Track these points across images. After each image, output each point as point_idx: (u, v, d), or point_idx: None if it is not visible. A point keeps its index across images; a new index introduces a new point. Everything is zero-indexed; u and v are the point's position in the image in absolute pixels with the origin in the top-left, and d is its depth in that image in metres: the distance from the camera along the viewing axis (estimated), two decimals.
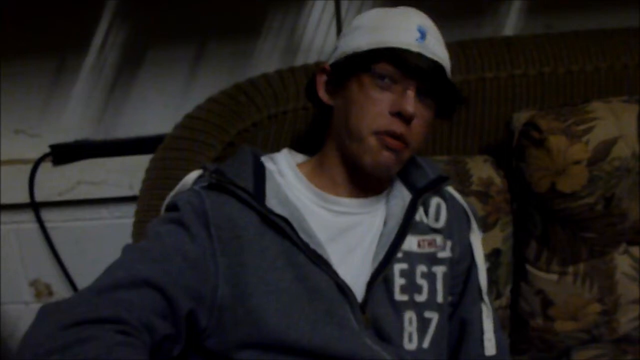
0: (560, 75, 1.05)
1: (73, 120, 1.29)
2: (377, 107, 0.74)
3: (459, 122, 1.05)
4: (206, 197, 0.73)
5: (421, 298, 0.78)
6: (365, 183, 0.81)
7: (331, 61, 0.81)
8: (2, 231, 1.34)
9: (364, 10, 0.83)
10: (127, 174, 1.26)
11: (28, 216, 1.32)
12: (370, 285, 0.75)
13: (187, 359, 0.74)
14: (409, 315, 0.77)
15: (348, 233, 0.79)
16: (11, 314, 1.41)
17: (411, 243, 0.79)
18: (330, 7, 1.21)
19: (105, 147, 1.28)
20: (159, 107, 1.28)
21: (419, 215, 0.82)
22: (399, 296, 0.77)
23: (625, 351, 1.03)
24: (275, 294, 0.71)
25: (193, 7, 1.21)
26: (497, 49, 1.06)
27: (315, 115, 0.97)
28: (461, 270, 0.84)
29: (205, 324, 0.71)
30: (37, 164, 1.27)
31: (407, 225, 0.79)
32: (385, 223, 0.80)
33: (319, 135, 0.86)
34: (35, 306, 1.39)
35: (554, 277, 1.00)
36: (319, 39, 1.23)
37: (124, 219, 1.31)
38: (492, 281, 0.97)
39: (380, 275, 0.76)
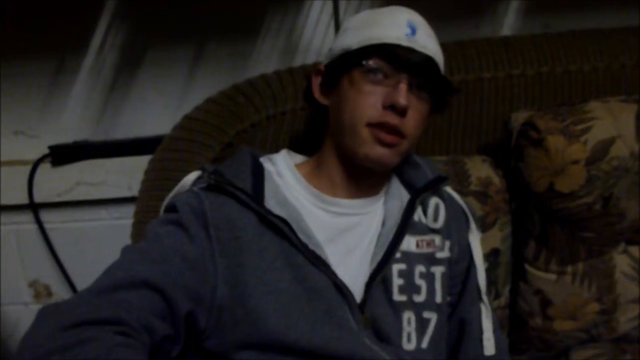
0: (558, 75, 1.05)
1: (72, 121, 1.30)
2: (370, 100, 0.75)
3: (457, 122, 1.06)
4: (205, 198, 0.73)
5: (420, 298, 0.78)
6: (363, 183, 0.81)
7: (325, 62, 0.83)
8: (1, 232, 1.34)
9: (362, 10, 0.84)
10: (126, 175, 1.26)
11: (27, 217, 1.32)
12: (368, 285, 0.75)
13: None
14: (408, 316, 0.77)
15: (346, 234, 0.79)
16: (10, 314, 1.41)
17: (410, 243, 0.79)
18: (329, 7, 1.22)
19: (104, 148, 1.28)
20: (158, 108, 1.28)
21: (418, 215, 0.82)
22: (398, 296, 0.77)
23: (624, 350, 1.03)
24: (274, 295, 0.71)
25: (192, 7, 1.21)
26: (495, 49, 1.06)
27: (312, 115, 0.97)
28: (460, 271, 0.84)
29: (205, 324, 0.71)
30: (36, 164, 1.27)
31: (405, 225, 0.79)
32: (383, 223, 0.80)
33: (318, 136, 0.86)
34: (35, 307, 1.40)
35: (553, 276, 1.01)
36: (318, 40, 1.24)
37: (123, 220, 1.31)
38: (490, 281, 0.97)
39: (379, 276, 0.76)
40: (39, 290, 1.38)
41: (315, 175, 0.82)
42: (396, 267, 0.77)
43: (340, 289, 0.73)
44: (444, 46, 0.81)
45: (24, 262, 1.36)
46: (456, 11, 1.20)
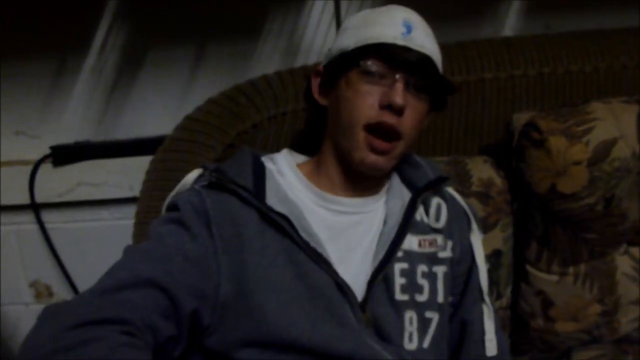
0: (559, 75, 1.05)
1: (73, 122, 1.29)
2: (367, 100, 0.75)
3: (459, 122, 1.06)
4: (206, 196, 0.73)
5: (422, 298, 0.78)
6: (362, 183, 0.81)
7: (324, 63, 0.84)
8: (2, 232, 1.34)
9: (363, 10, 0.84)
10: (127, 175, 1.26)
11: (28, 217, 1.32)
12: (370, 284, 0.75)
13: (188, 359, 0.74)
14: (410, 315, 0.77)
15: (348, 232, 0.79)
16: (11, 315, 1.40)
17: (412, 242, 0.79)
18: (330, 7, 1.22)
19: (105, 149, 1.28)
20: (159, 108, 1.28)
21: (420, 214, 0.82)
22: (400, 296, 0.77)
23: (625, 352, 1.03)
24: (275, 292, 0.71)
25: (193, 8, 1.21)
26: (496, 50, 1.06)
27: (312, 116, 0.97)
28: (462, 271, 0.84)
29: (208, 321, 0.71)
30: (37, 165, 1.27)
31: (407, 224, 0.79)
32: (385, 222, 0.80)
33: (318, 136, 0.86)
34: (35, 307, 1.39)
35: (555, 277, 1.00)
36: (319, 40, 1.24)
37: (124, 220, 1.30)
38: (492, 282, 0.97)
39: (380, 275, 0.76)
40: (40, 290, 1.38)
41: (316, 175, 0.82)
42: (398, 266, 0.77)
43: (342, 287, 0.73)
44: (445, 47, 0.82)
45: (24, 262, 1.36)
46: (457, 12, 1.20)
